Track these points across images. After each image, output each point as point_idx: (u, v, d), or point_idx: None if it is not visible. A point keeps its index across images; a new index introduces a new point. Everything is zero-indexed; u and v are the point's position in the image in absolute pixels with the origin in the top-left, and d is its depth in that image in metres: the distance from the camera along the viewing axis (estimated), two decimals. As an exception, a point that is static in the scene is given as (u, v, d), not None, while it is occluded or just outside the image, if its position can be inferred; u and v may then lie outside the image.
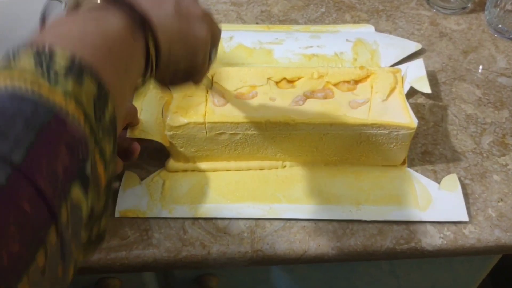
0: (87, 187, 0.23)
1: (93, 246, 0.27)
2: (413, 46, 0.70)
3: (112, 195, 0.27)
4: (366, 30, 0.73)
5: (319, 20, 0.75)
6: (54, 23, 0.28)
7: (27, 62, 0.23)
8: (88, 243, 0.26)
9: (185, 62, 0.36)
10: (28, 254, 0.19)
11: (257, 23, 0.74)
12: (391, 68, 0.58)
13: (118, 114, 0.27)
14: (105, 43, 0.28)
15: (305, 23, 0.75)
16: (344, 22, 0.75)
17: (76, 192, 0.23)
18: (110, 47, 0.28)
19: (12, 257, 0.19)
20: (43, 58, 0.24)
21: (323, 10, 0.77)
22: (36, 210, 0.20)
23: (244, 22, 0.74)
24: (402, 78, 0.57)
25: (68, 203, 0.22)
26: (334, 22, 0.75)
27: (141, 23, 0.31)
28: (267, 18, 0.75)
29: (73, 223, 0.23)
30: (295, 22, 0.75)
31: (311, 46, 0.69)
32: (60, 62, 0.24)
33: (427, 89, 0.62)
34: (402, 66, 0.64)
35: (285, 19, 0.75)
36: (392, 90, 0.55)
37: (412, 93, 0.64)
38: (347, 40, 0.70)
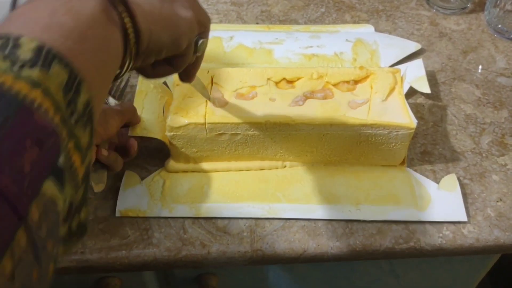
0: (62, 181, 0.22)
1: (75, 238, 0.26)
2: (412, 46, 0.70)
3: (87, 186, 0.26)
4: (366, 30, 0.73)
5: (319, 20, 0.75)
6: (21, 8, 0.26)
7: None
8: (69, 236, 0.25)
9: (168, 47, 0.33)
10: None
11: (257, 23, 0.74)
12: (391, 68, 0.58)
13: (95, 103, 0.26)
14: (77, 27, 0.25)
15: (305, 23, 0.75)
16: (344, 22, 0.75)
17: (50, 187, 0.21)
18: (83, 31, 0.26)
19: None
20: (8, 48, 0.22)
21: (323, 10, 0.77)
22: None
23: (244, 22, 0.75)
24: (402, 78, 0.57)
25: (39, 201, 0.21)
26: (334, 22, 0.75)
27: (117, 3, 0.28)
28: (267, 18, 0.75)
29: (48, 220, 0.21)
30: (295, 22, 0.75)
31: (311, 46, 0.69)
32: (26, 51, 0.22)
33: (426, 89, 0.63)
34: (401, 66, 0.64)
35: (285, 19, 0.75)
36: (392, 90, 0.55)
37: (411, 93, 0.64)
38: (347, 40, 0.70)
